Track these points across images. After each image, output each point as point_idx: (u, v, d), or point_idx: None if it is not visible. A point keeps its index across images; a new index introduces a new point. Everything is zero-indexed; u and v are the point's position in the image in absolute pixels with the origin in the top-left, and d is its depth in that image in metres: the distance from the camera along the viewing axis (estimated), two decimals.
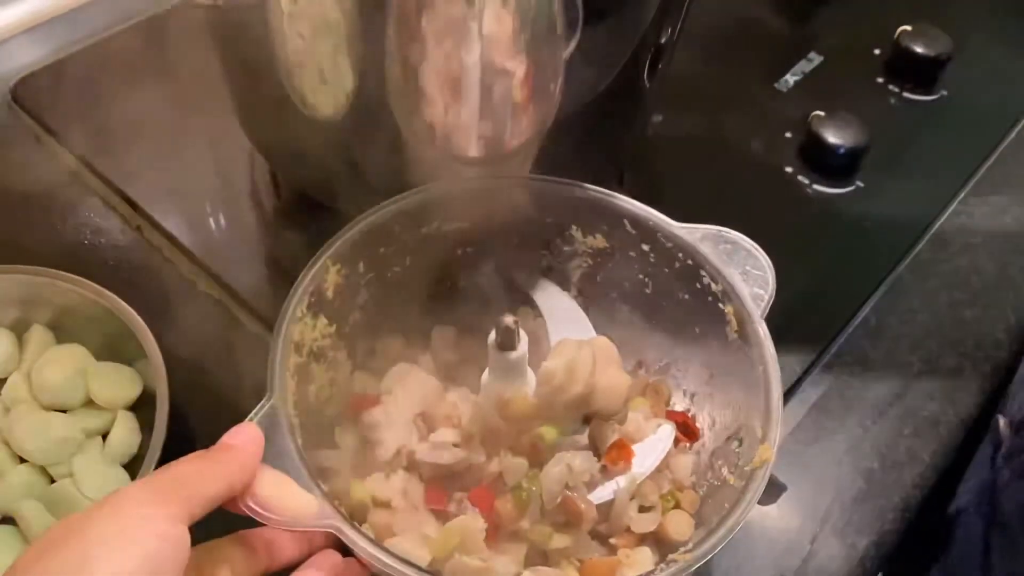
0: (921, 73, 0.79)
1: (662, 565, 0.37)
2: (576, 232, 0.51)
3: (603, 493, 0.46)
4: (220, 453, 0.37)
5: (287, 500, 0.38)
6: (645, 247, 0.50)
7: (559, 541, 0.44)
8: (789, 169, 0.72)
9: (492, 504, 0.44)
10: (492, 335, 0.44)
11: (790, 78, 0.79)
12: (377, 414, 0.47)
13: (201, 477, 0.35)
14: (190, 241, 0.64)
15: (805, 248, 0.66)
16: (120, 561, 0.32)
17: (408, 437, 0.47)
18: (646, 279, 0.51)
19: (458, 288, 0.54)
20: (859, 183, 0.72)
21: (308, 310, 0.45)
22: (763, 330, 0.45)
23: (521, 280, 0.52)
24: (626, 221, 0.49)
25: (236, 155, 0.69)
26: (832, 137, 0.71)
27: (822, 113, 0.72)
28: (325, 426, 0.48)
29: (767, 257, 0.47)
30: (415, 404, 0.48)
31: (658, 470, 0.48)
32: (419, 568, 0.36)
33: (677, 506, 0.46)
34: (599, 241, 0.51)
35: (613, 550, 0.45)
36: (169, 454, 0.46)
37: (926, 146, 0.75)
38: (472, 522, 0.43)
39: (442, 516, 0.45)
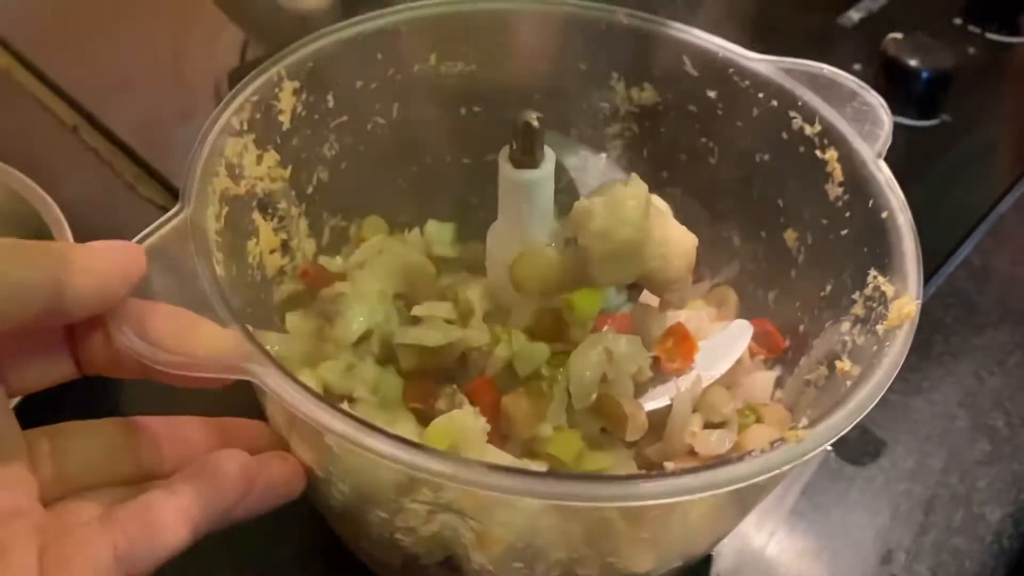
0: (1005, 14, 0.68)
1: (766, 446, 0.24)
2: (618, 83, 0.39)
3: (656, 400, 0.32)
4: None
5: (190, 336, 0.25)
6: (711, 94, 0.37)
7: (592, 461, 0.31)
8: None
9: (497, 401, 0.31)
10: (504, 150, 0.31)
11: (854, 15, 0.68)
12: (341, 286, 0.34)
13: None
14: (136, 141, 0.52)
15: None
16: None
17: (384, 319, 0.33)
18: (710, 143, 0.38)
19: (461, 166, 0.41)
20: (945, 116, 0.60)
21: (250, 129, 0.32)
22: (884, 172, 0.32)
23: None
24: (686, 58, 0.37)
25: (200, 51, 0.57)
26: (913, 61, 0.59)
27: (899, 35, 0.61)
28: (273, 307, 0.35)
29: (876, 94, 0.35)
30: (395, 282, 0.35)
31: (732, 382, 0.34)
32: (391, 434, 0.22)
33: (759, 422, 0.33)
34: (648, 94, 0.39)
35: None
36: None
37: (1015, 87, 0.64)
38: (470, 419, 0.30)
39: (426, 418, 0.31)
